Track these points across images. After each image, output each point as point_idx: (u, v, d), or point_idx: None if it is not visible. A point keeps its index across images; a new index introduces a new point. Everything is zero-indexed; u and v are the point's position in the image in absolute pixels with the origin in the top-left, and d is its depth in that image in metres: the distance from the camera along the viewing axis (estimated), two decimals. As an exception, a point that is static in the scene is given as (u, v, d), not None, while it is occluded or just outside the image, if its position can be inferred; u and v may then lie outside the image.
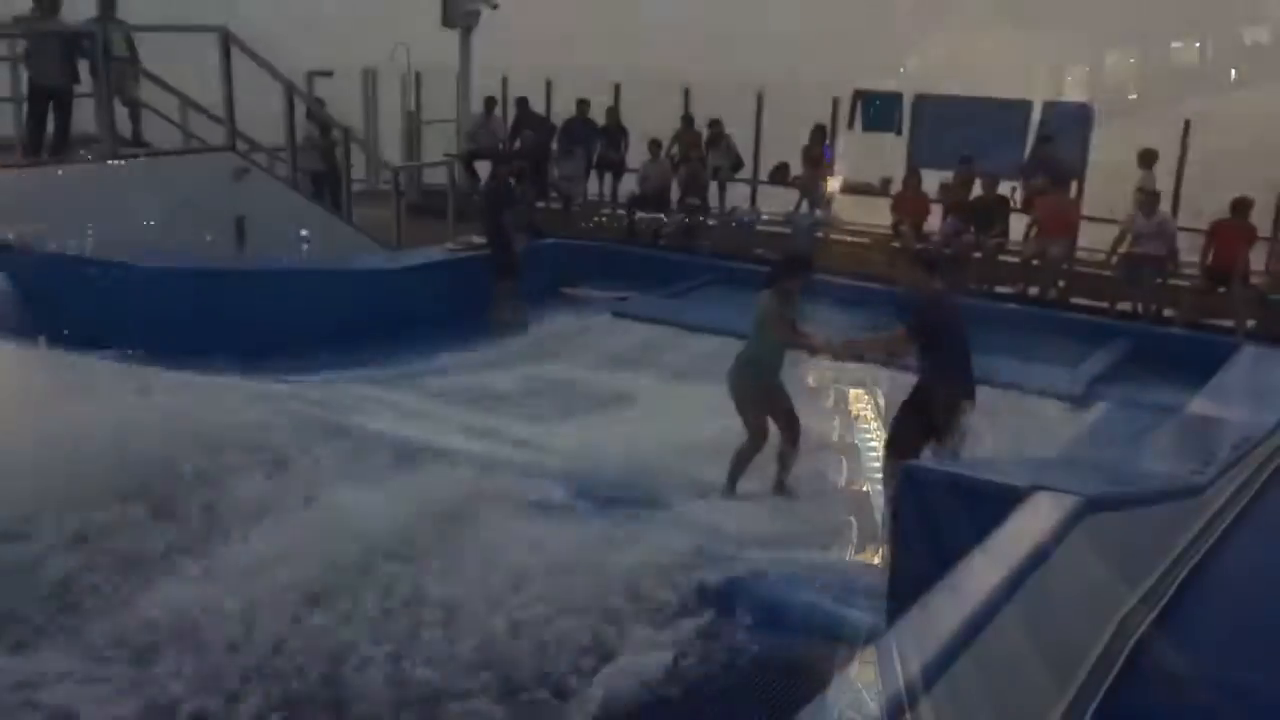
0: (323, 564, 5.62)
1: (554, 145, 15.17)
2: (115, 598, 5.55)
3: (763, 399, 7.24)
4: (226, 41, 11.03)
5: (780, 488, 7.39)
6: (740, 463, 7.32)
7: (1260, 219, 11.40)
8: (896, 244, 12.95)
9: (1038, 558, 3.71)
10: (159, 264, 9.49)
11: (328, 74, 15.29)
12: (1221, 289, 11.01)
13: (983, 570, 3.55)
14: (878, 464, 7.24)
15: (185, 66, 12.33)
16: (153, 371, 7.57)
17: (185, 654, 5.09)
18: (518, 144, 14.99)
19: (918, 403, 6.78)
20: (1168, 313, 11.48)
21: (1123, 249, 11.66)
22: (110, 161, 10.58)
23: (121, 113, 11.43)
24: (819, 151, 13.95)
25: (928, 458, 6.50)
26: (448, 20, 15.42)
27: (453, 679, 4.99)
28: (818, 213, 13.91)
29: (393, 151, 16.61)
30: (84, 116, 10.83)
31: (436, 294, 11.04)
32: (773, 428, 7.36)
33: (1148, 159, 12.38)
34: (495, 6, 15.65)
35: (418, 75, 16.70)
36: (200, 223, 10.59)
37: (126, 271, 9.09)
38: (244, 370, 8.63)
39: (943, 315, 6.74)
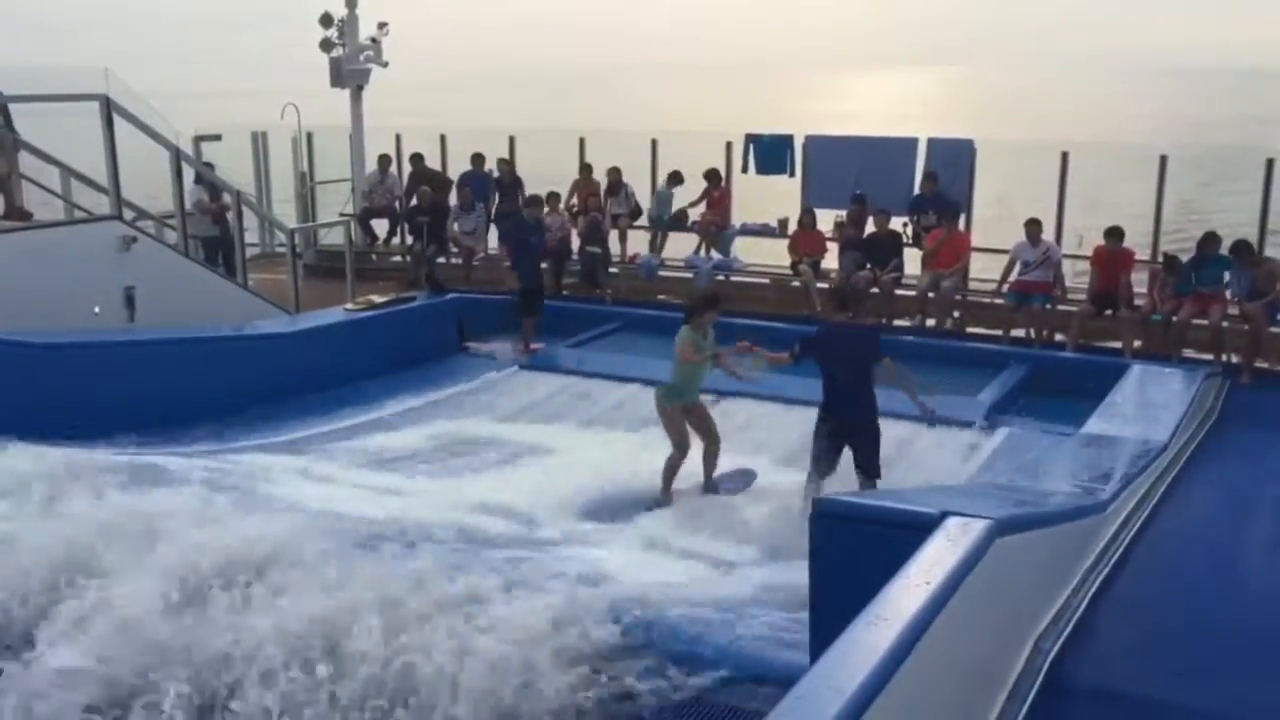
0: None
1: (452, 200, 15.12)
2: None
3: (678, 415, 8.36)
4: (109, 109, 10.78)
5: (708, 487, 8.42)
6: (669, 471, 8.34)
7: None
8: (796, 283, 13.20)
9: (953, 584, 3.76)
10: (44, 339, 9.17)
11: (216, 138, 15.03)
12: (1108, 312, 11.43)
13: (901, 600, 3.58)
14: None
15: (69, 136, 12.03)
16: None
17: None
18: (414, 201, 14.90)
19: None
20: (1059, 337, 11.88)
21: (1012, 278, 12.05)
22: (-11, 235, 10.20)
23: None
24: (716, 195, 14.17)
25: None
26: (337, 80, 15.32)
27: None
28: (716, 255, 14.09)
29: (286, 213, 16.37)
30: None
31: (338, 355, 10.88)
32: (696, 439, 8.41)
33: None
34: (385, 65, 15.61)
35: (309, 135, 16.52)
36: (87, 294, 10.28)
37: (8, 348, 8.75)
38: (141, 444, 8.39)
39: (823, 343, 7.69)
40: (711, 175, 14.27)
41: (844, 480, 7.57)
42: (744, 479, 8.59)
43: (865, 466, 7.58)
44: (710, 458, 8.48)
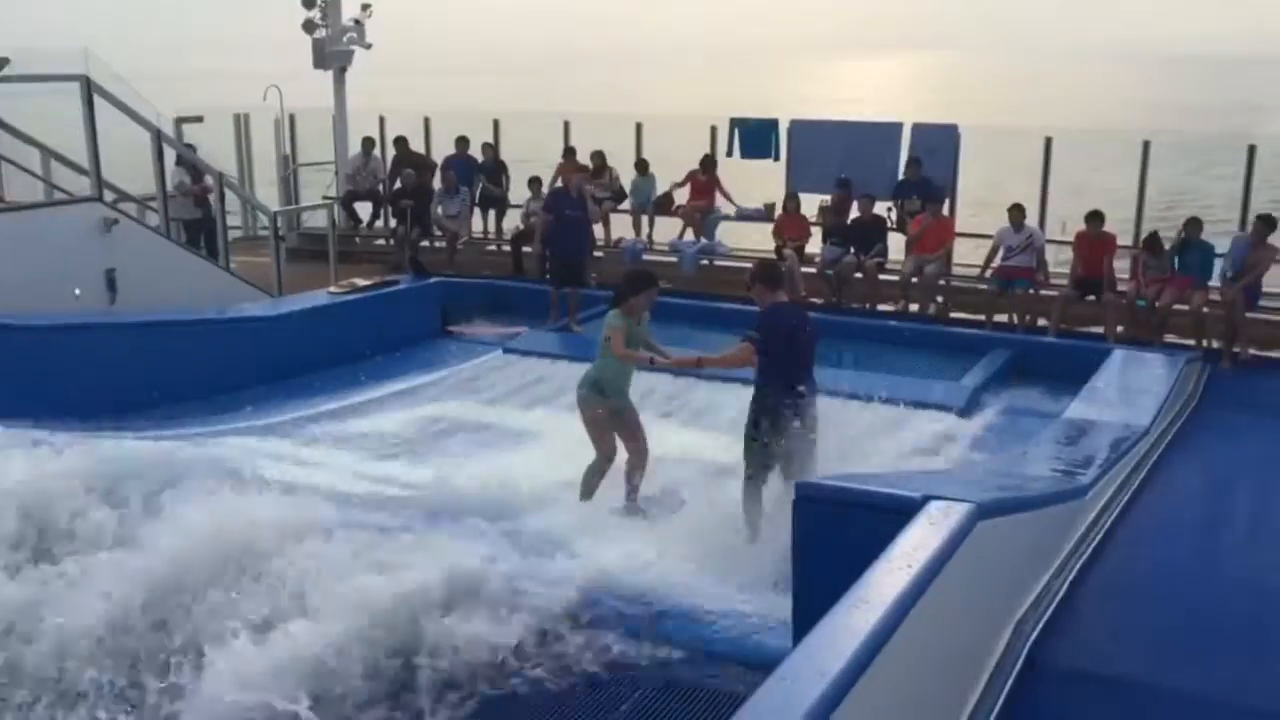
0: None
1: (436, 183, 15.06)
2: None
3: (606, 418, 7.30)
4: (89, 90, 10.69)
5: (630, 506, 7.33)
6: (590, 479, 7.36)
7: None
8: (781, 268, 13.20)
9: (935, 567, 3.78)
10: (24, 321, 9.11)
11: (198, 119, 14.91)
12: (1091, 297, 11.47)
13: (884, 583, 3.59)
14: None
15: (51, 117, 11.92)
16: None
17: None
18: (398, 184, 14.83)
19: (753, 407, 6.80)
20: (1041, 322, 11.93)
21: (995, 263, 12.08)
22: (-33, 218, 10.12)
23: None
24: (704, 180, 14.15)
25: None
26: (319, 62, 15.21)
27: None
28: (702, 240, 14.07)
29: (269, 196, 16.28)
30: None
31: (322, 338, 10.84)
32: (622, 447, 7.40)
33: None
34: (368, 46, 15.50)
35: (292, 117, 16.41)
36: (68, 277, 10.21)
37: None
38: (124, 426, 8.35)
39: (775, 323, 6.73)
40: (705, 161, 14.26)
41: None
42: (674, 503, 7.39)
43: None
44: (634, 474, 7.36)
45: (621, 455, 7.40)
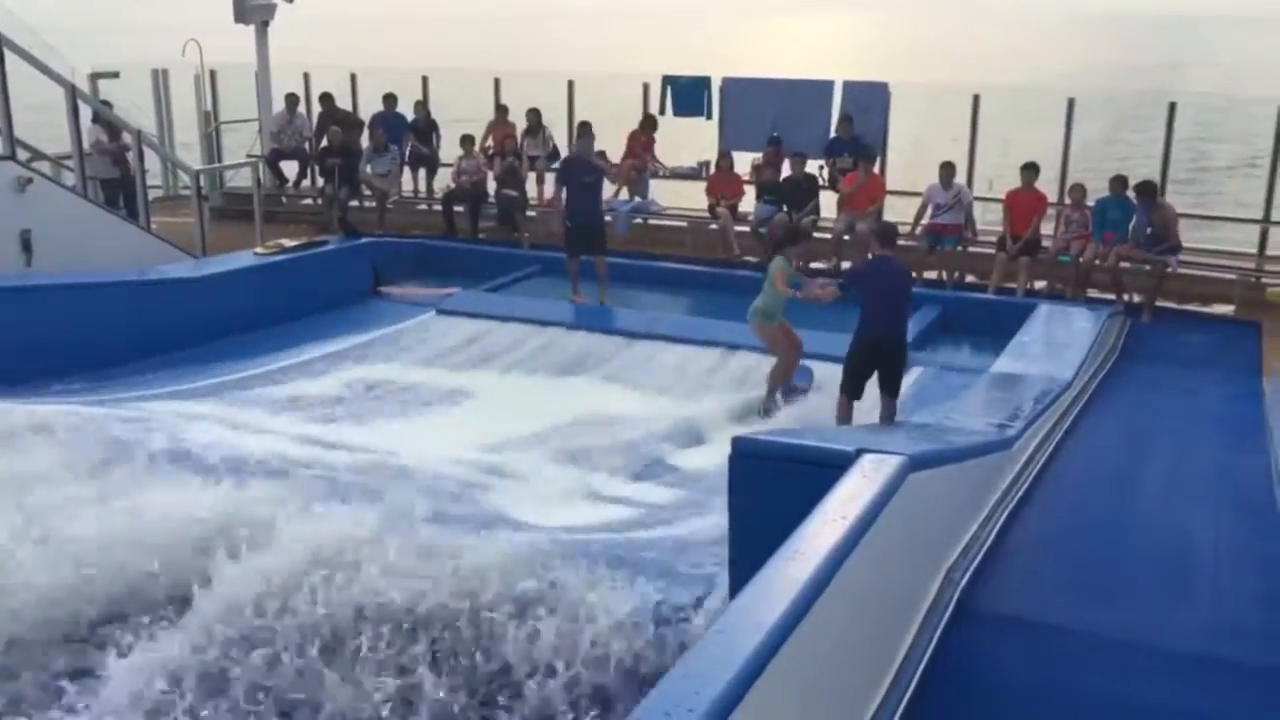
0: None
1: (364, 142, 14.79)
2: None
3: (776, 332, 8.97)
4: (-2, 44, 10.31)
5: (770, 399, 8.81)
6: (774, 379, 8.92)
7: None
8: (714, 225, 13.24)
9: (869, 518, 3.84)
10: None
11: (114, 75, 14.43)
12: (1024, 257, 11.64)
13: (819, 535, 3.65)
14: None
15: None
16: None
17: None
18: (325, 142, 14.53)
19: (852, 347, 8.06)
20: (970, 279, 12.11)
21: (925, 220, 12.23)
22: None
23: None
24: (645, 140, 14.08)
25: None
26: (240, 15, 14.79)
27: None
28: (637, 199, 14.03)
29: (191, 155, 15.86)
30: None
31: (248, 301, 10.63)
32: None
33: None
34: (291, 0, 15.11)
35: (213, 73, 15.97)
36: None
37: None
38: (44, 392, 8.13)
39: (866, 277, 8.20)
40: (646, 121, 14.17)
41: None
42: (806, 377, 9.20)
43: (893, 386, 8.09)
44: (785, 372, 8.94)
45: (769, 363, 9.09)
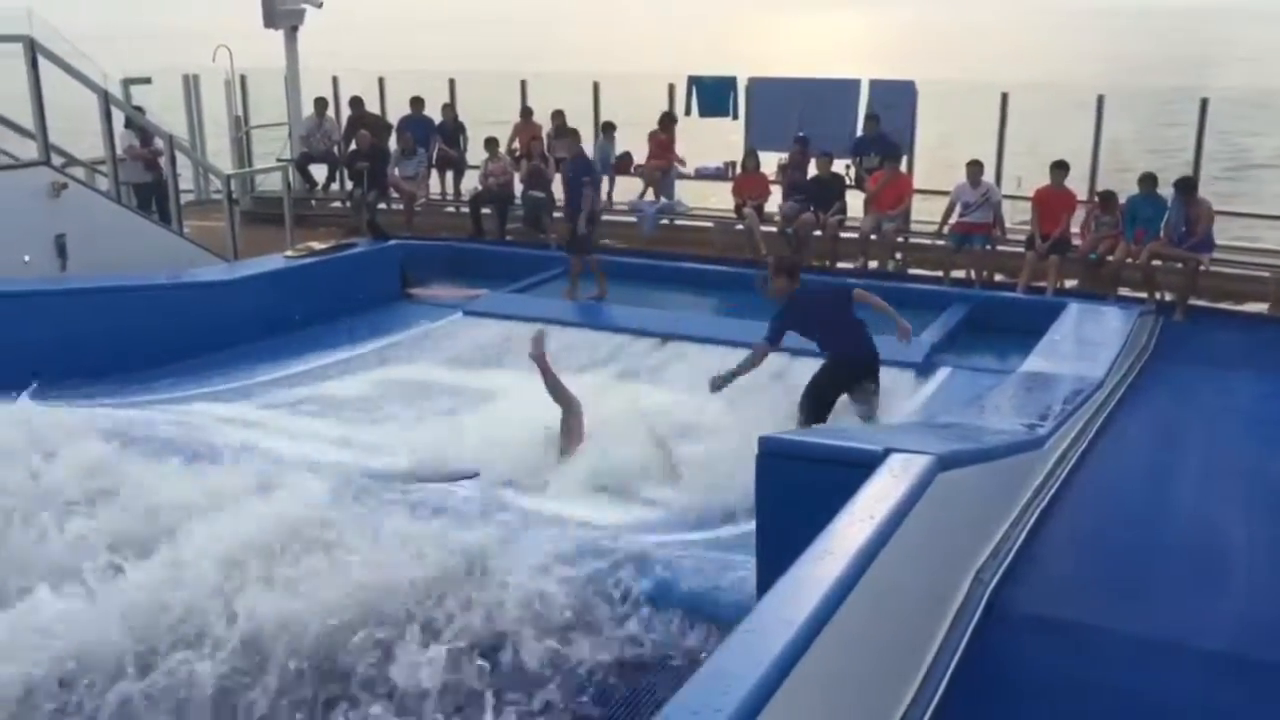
0: None
1: (392, 145, 14.88)
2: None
3: None
4: (33, 50, 10.43)
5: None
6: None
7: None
8: (740, 226, 13.23)
9: (897, 518, 3.84)
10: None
11: (145, 81, 14.59)
12: (1054, 255, 11.55)
13: (847, 534, 3.64)
14: None
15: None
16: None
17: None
18: (354, 145, 14.64)
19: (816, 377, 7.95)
20: (999, 277, 12.03)
21: (952, 219, 12.17)
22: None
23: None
24: (664, 139, 14.09)
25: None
26: (270, 20, 14.93)
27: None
28: (663, 200, 14.04)
29: (221, 159, 16.02)
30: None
31: (278, 303, 10.71)
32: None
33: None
34: (320, 5, 15.23)
35: (243, 78, 16.12)
36: (16, 242, 10.01)
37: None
38: (81, 395, 8.23)
39: (790, 321, 7.98)
40: (665, 119, 14.18)
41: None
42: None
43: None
44: None
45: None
